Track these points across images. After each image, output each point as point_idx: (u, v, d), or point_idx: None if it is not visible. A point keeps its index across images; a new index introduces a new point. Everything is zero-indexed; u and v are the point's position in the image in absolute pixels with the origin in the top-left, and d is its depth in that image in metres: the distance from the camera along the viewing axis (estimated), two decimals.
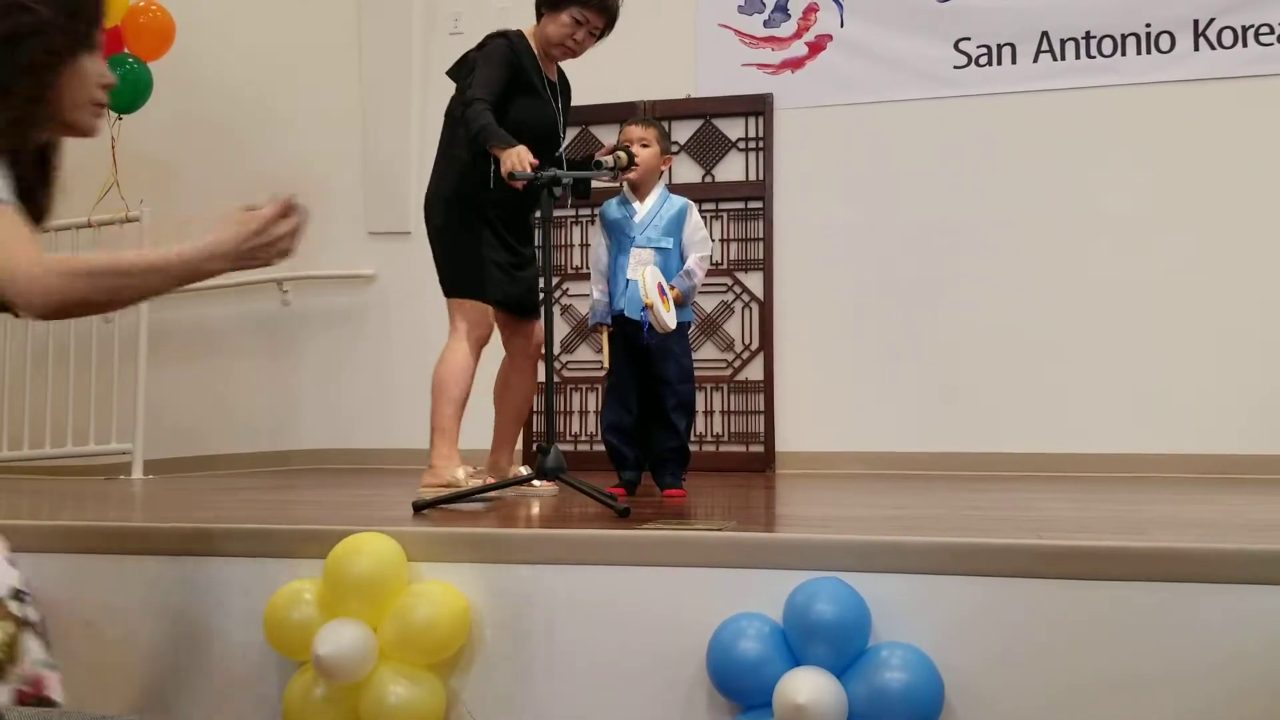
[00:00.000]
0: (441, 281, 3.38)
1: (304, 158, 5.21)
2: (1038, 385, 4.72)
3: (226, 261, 1.65)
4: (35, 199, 1.66)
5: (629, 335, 3.39)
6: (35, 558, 2.27)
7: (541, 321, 3.52)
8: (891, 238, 4.93)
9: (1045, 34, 4.86)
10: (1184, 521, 2.78)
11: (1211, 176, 4.65)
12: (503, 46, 3.32)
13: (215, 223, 1.65)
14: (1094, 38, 4.82)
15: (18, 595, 1.65)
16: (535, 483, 3.08)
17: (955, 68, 4.96)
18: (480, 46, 3.37)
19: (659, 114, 4.87)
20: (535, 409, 4.99)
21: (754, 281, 5.12)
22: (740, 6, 5.20)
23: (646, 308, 3.21)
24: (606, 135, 4.86)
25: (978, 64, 4.94)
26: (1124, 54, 4.78)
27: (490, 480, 3.30)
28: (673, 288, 3.32)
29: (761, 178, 5.13)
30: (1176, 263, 4.65)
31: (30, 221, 1.59)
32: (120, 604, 2.37)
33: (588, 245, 4.96)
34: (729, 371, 5.12)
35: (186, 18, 4.95)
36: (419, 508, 2.81)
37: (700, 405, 4.90)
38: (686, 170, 5.18)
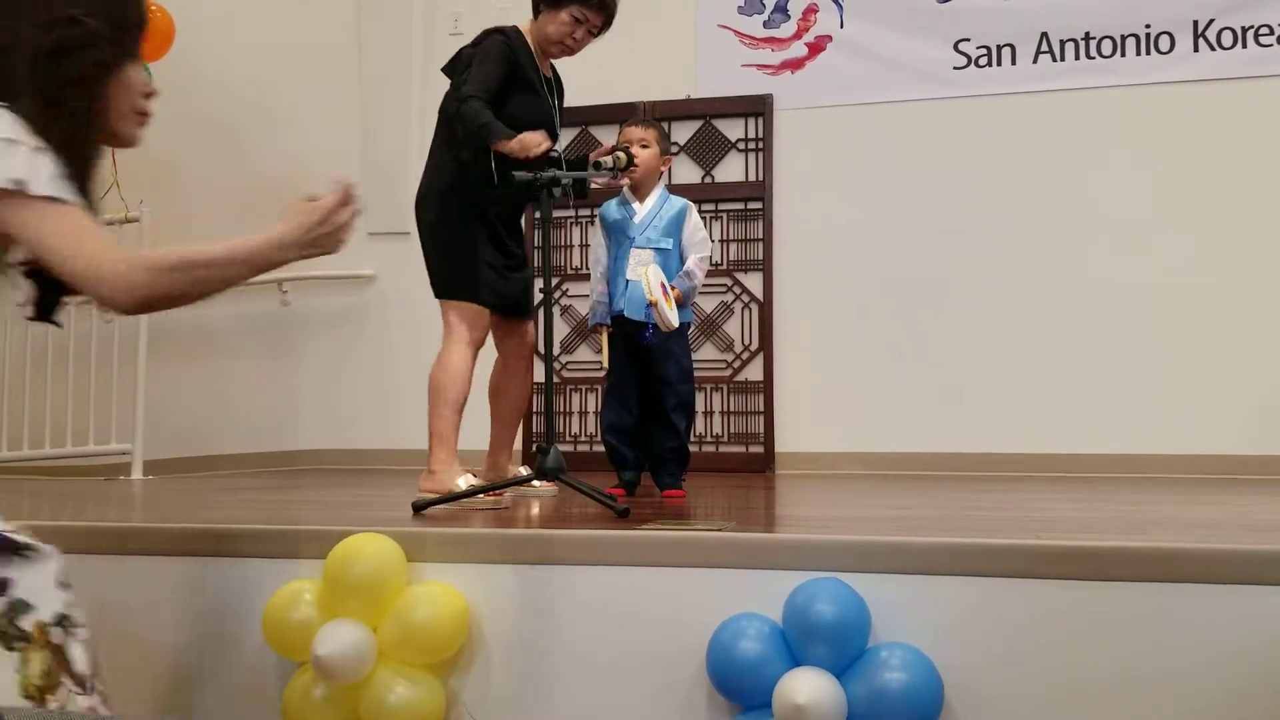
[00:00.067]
0: (433, 281, 3.34)
1: (304, 158, 5.20)
2: (1038, 385, 4.72)
3: (297, 250, 1.70)
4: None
5: (629, 335, 3.39)
6: None
7: (532, 322, 3.53)
8: (891, 238, 4.93)
9: (1045, 35, 4.86)
10: (1185, 522, 2.78)
11: (1211, 177, 4.65)
12: (500, 43, 3.30)
13: (282, 213, 1.70)
14: (1094, 38, 4.82)
15: (62, 621, 1.61)
16: (535, 483, 3.08)
17: (955, 68, 4.96)
18: (476, 43, 3.35)
19: (659, 115, 4.87)
20: (535, 409, 5.01)
21: (754, 282, 5.12)
22: (740, 7, 5.20)
23: (651, 305, 3.20)
24: (606, 136, 4.86)
25: (977, 65, 4.94)
26: (1123, 55, 4.78)
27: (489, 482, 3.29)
28: (674, 288, 3.32)
29: (761, 178, 5.13)
30: (1176, 263, 4.65)
31: None
32: (119, 604, 2.36)
33: (587, 245, 4.96)
34: (729, 372, 5.11)
35: (186, 18, 4.95)
36: (419, 508, 2.80)
37: (700, 406, 4.90)
38: (686, 171, 5.18)
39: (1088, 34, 4.82)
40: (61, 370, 4.80)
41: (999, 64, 4.92)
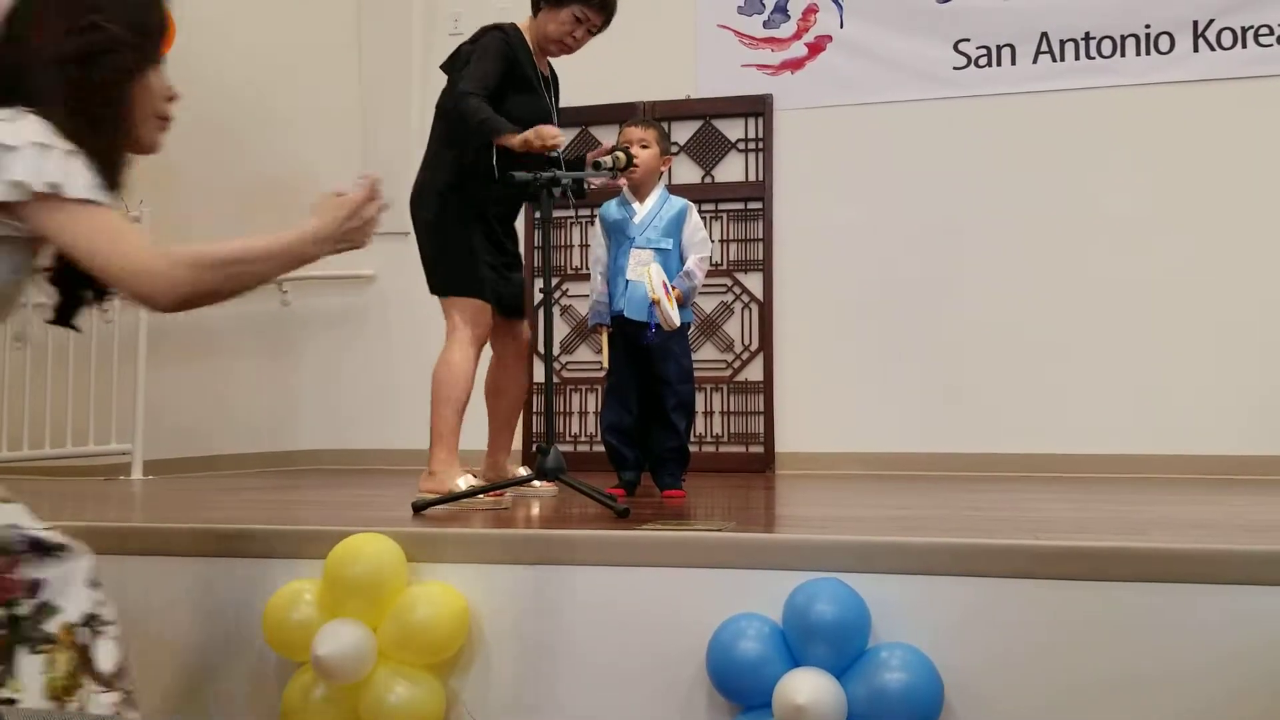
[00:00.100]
0: (432, 280, 3.32)
1: (304, 158, 5.20)
2: (1037, 385, 4.73)
3: (329, 244, 1.74)
4: None
5: (629, 335, 3.39)
6: None
7: (526, 321, 3.53)
8: (891, 238, 4.93)
9: (1045, 35, 4.86)
10: (1183, 522, 2.78)
11: (1211, 177, 4.65)
12: (498, 40, 3.30)
13: (313, 209, 1.74)
14: (1093, 39, 4.82)
15: (90, 621, 1.61)
16: (535, 483, 3.08)
17: (955, 68, 4.96)
18: (475, 39, 3.34)
19: (659, 115, 4.87)
20: (535, 409, 5.01)
21: (754, 282, 5.12)
22: (740, 7, 5.20)
23: (654, 303, 3.21)
24: (606, 136, 4.86)
25: (977, 65, 4.94)
26: (1123, 55, 4.78)
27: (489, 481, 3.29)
28: (674, 288, 3.32)
29: (761, 178, 5.13)
30: (1176, 263, 4.65)
31: None
32: (118, 605, 2.36)
33: (587, 245, 4.96)
34: (729, 372, 5.11)
35: (186, 18, 4.91)
36: (419, 508, 2.81)
37: (700, 406, 4.90)
38: (686, 171, 5.18)
39: (1088, 34, 4.82)
40: (61, 370, 4.79)
41: (999, 64, 4.92)
